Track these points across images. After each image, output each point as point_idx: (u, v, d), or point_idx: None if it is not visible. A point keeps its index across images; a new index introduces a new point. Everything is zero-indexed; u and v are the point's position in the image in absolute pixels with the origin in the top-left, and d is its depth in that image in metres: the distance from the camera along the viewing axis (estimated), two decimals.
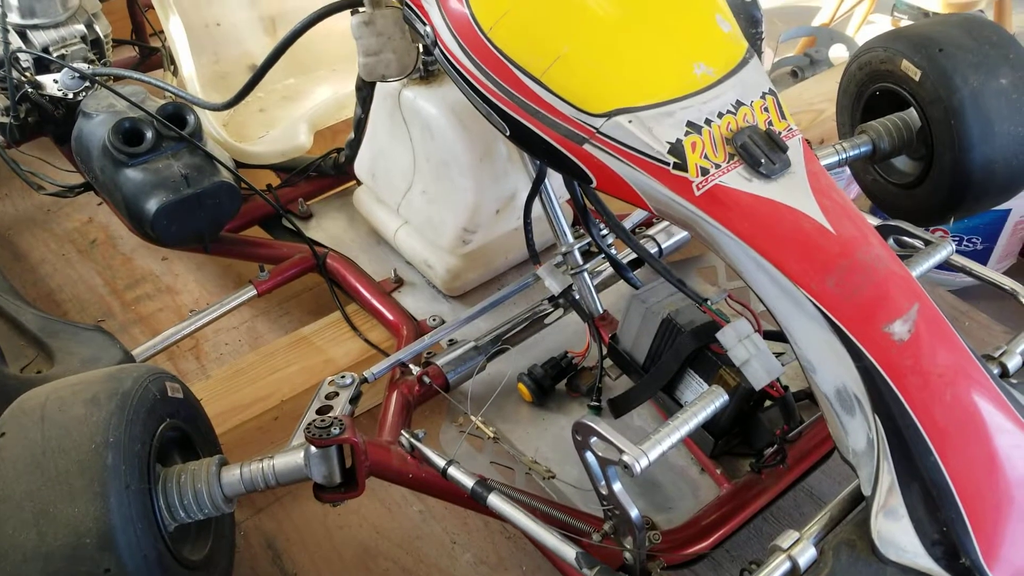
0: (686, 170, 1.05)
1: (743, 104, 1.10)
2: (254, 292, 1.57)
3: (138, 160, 1.48)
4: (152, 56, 2.11)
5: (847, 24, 3.46)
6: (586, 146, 1.08)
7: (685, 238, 1.59)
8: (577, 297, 1.44)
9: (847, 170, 1.92)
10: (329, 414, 1.23)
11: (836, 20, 3.30)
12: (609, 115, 1.06)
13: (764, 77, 1.14)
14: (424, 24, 1.17)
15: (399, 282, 1.62)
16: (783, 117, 1.12)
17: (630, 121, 1.06)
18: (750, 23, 1.97)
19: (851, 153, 1.63)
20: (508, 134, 1.14)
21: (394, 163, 1.54)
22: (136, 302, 1.79)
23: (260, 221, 1.74)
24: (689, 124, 1.06)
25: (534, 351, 1.45)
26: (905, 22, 3.34)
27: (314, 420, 1.12)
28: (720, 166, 1.06)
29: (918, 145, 1.61)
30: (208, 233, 1.57)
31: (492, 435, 1.23)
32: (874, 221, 1.44)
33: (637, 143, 1.06)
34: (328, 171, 1.77)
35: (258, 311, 1.75)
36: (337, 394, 1.29)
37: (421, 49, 1.34)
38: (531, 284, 1.51)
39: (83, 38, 1.75)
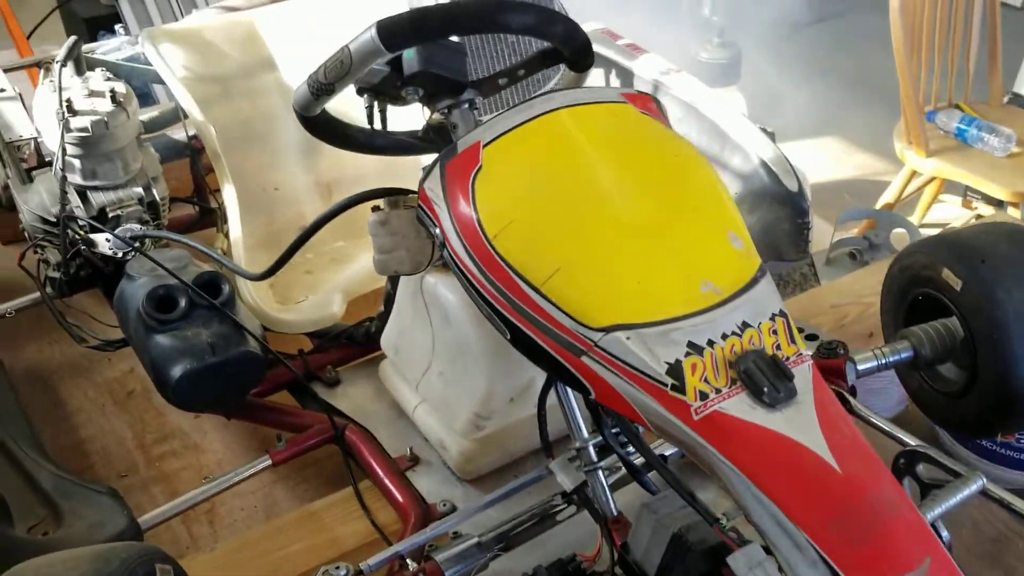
0: (684, 393, 1.01)
1: (750, 326, 1.07)
2: (269, 462, 1.57)
3: (168, 327, 1.52)
4: (209, 215, 2.19)
5: (916, 202, 3.42)
6: (584, 358, 1.06)
7: None
8: (591, 495, 1.39)
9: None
10: None
11: (905, 199, 3.27)
12: (608, 330, 1.04)
13: (775, 297, 1.11)
14: (435, 226, 1.18)
15: (415, 460, 1.59)
16: (792, 341, 1.08)
17: (628, 338, 1.03)
18: (797, 213, 1.96)
19: (891, 359, 1.57)
20: (509, 338, 1.13)
21: (415, 341, 1.54)
22: (161, 458, 1.80)
23: (288, 385, 1.75)
24: (690, 345, 1.03)
25: (542, 550, 1.39)
26: (979, 204, 3.28)
27: None
28: (721, 391, 1.02)
29: (962, 354, 1.55)
30: (230, 400, 1.58)
31: None
32: (911, 440, 1.37)
33: (635, 360, 1.03)
34: (360, 339, 1.78)
35: (277, 476, 1.74)
36: None
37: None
38: (545, 476, 1.47)
39: (140, 200, 1.83)
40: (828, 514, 0.95)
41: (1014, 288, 1.47)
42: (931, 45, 3.00)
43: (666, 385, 1.02)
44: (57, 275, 1.79)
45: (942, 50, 3.05)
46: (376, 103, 1.35)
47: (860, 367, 1.56)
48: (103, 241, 1.76)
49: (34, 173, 1.88)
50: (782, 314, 1.10)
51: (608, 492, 1.38)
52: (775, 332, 1.08)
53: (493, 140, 1.16)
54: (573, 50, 1.33)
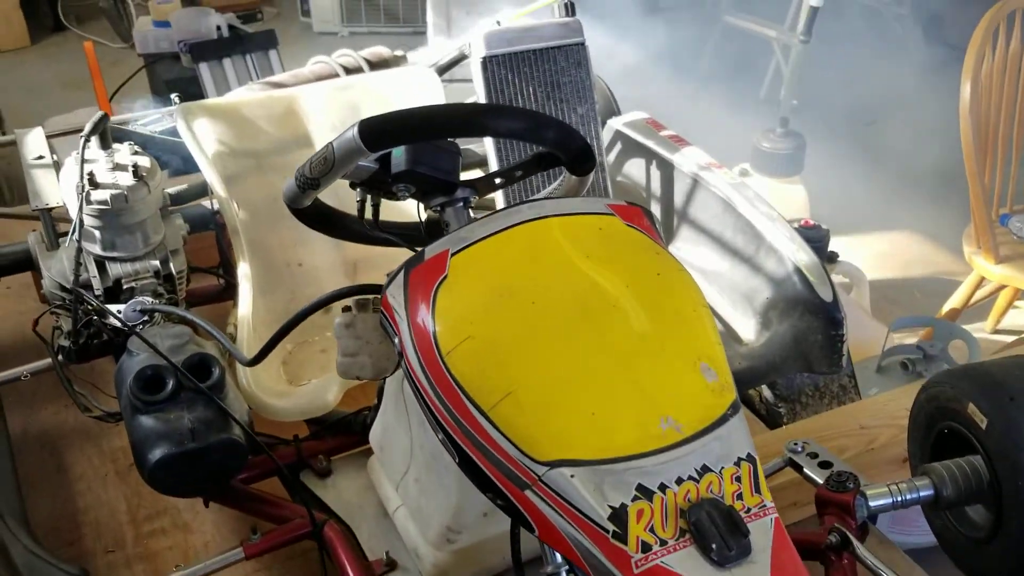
0: (626, 542, 0.93)
1: (710, 470, 0.98)
2: (242, 555, 1.52)
3: (152, 408, 1.50)
4: (232, 288, 2.19)
5: (989, 305, 3.25)
6: (528, 492, 0.99)
7: None
8: None
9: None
10: None
11: (974, 304, 3.10)
12: (553, 464, 0.97)
13: (745, 438, 1.02)
14: (395, 335, 1.13)
15: (391, 565, 1.52)
16: (757, 490, 0.99)
17: (573, 475, 0.96)
18: (831, 324, 1.85)
19: (908, 496, 1.44)
20: (458, 462, 1.07)
21: (397, 442, 1.48)
22: (150, 536, 1.77)
23: (278, 473, 1.71)
24: (640, 488, 0.95)
25: None
26: None
27: None
28: (667, 543, 0.93)
29: (988, 497, 1.41)
30: (210, 486, 1.55)
31: None
32: None
33: (578, 501, 0.95)
34: (356, 428, 1.74)
35: (261, 565, 1.69)
36: None
37: None
38: None
39: (156, 273, 1.83)
40: None
41: None
42: (1008, 143, 2.87)
43: (608, 532, 0.94)
44: (67, 343, 1.79)
45: (1021, 148, 2.91)
46: (370, 196, 1.32)
47: (872, 503, 1.44)
48: (114, 312, 1.76)
49: (61, 240, 1.91)
50: (750, 459, 1.01)
51: None
52: (738, 479, 0.99)
53: (463, 249, 1.11)
54: (569, 155, 1.28)
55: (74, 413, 2.09)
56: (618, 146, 2.39)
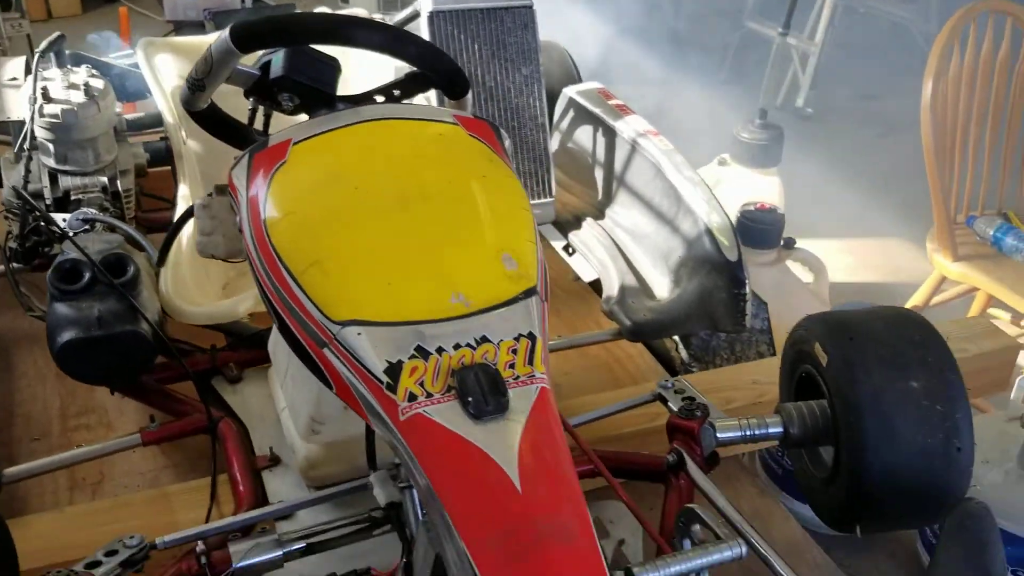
0: (396, 392, 1.03)
1: (488, 341, 1.07)
2: (139, 441, 1.64)
3: (67, 297, 1.63)
4: None
5: (957, 309, 3.25)
6: (325, 350, 1.09)
7: None
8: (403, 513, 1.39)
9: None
10: (96, 570, 1.25)
11: (936, 305, 3.12)
12: (345, 324, 1.07)
13: (533, 321, 1.11)
14: (237, 213, 1.24)
15: (274, 461, 1.63)
16: (530, 363, 1.08)
17: (360, 333, 1.06)
18: (733, 283, 1.92)
19: (757, 432, 1.51)
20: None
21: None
22: (75, 429, 1.90)
23: (187, 375, 1.83)
24: (418, 349, 1.05)
25: (346, 561, 1.40)
26: None
27: (52, 572, 1.13)
28: (432, 396, 1.02)
29: (830, 435, 1.47)
30: (118, 377, 1.67)
31: None
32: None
33: (363, 356, 1.05)
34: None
35: (169, 462, 1.81)
36: (116, 552, 1.30)
37: None
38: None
39: (104, 189, 1.97)
40: (493, 532, 0.94)
41: (876, 369, 1.40)
42: (978, 144, 2.89)
43: (382, 383, 1.03)
44: (15, 245, 1.94)
45: (991, 150, 2.93)
46: (262, 108, 1.44)
47: (720, 435, 1.51)
48: (60, 220, 1.90)
49: (23, 153, 2.06)
50: (531, 337, 1.09)
51: (420, 512, 1.38)
52: (514, 352, 1.08)
53: (305, 139, 1.22)
54: (437, 73, 1.38)
55: (29, 319, 2.24)
56: (570, 113, 2.48)
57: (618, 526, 1.53)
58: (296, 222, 1.14)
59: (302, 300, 1.10)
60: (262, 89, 1.38)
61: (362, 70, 2.06)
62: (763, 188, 3.31)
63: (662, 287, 2.09)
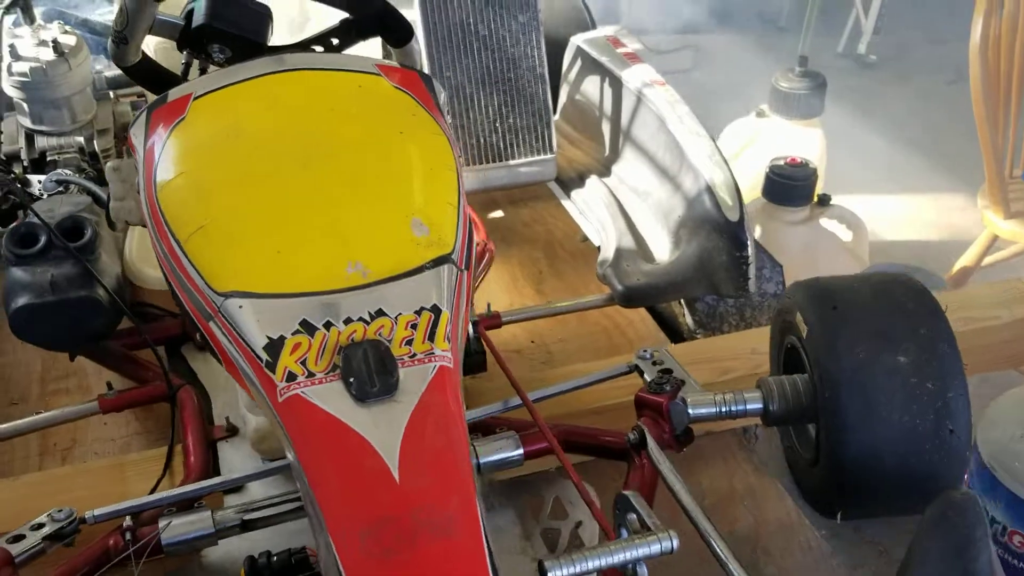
0: (274, 371, 0.94)
1: (385, 315, 0.97)
2: (96, 407, 1.60)
3: (22, 261, 1.58)
4: None
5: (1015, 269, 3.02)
6: (211, 324, 1.01)
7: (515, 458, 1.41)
8: None
9: None
10: (19, 544, 1.21)
11: (990, 266, 2.90)
12: (228, 295, 0.98)
13: (437, 292, 1.01)
14: (136, 174, 1.16)
15: (232, 431, 1.57)
16: (430, 339, 0.97)
17: (241, 306, 0.97)
18: (735, 245, 1.79)
19: (734, 408, 1.39)
20: (173, 296, 1.09)
21: None
22: (53, 394, 1.88)
23: (166, 342, 1.78)
24: (303, 323, 0.95)
25: (285, 538, 1.33)
26: None
27: None
28: (314, 376, 0.93)
29: (811, 412, 1.34)
30: (74, 341, 1.62)
31: None
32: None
33: (244, 330, 0.97)
34: None
35: (141, 428, 1.77)
36: (43, 525, 1.26)
37: None
38: None
39: (81, 149, 1.92)
40: (363, 525, 0.85)
41: (859, 342, 1.26)
42: None
43: (262, 360, 0.94)
44: None
45: None
46: (196, 62, 1.35)
47: (692, 411, 1.39)
48: (36, 183, 1.86)
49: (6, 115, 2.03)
50: (435, 310, 0.99)
51: None
52: (414, 327, 0.97)
53: (206, 94, 1.13)
54: (369, 19, 1.27)
55: None
56: (578, 63, 2.34)
57: (577, 507, 1.43)
58: (185, 184, 1.06)
59: (187, 269, 1.02)
60: (191, 41, 1.30)
61: None
62: (803, 141, 3.10)
63: (663, 249, 1.96)
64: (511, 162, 2.13)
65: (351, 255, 1.00)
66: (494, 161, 2.12)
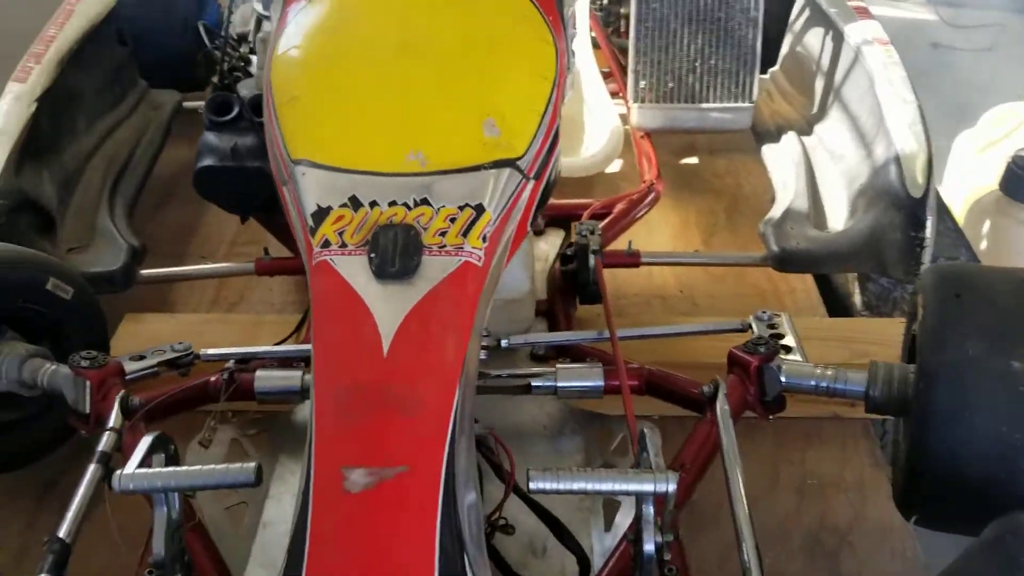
0: (314, 236, 0.99)
1: (428, 204, 1.00)
2: (252, 268, 1.76)
3: (214, 127, 1.76)
4: None
5: None
6: (284, 188, 1.08)
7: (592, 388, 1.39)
8: None
9: None
10: (137, 362, 1.38)
11: None
12: (298, 162, 1.05)
13: (492, 194, 1.01)
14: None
15: None
16: (464, 235, 0.99)
17: (304, 173, 1.03)
18: (912, 224, 1.65)
19: (833, 385, 1.29)
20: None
21: None
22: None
23: None
24: (352, 199, 1.00)
25: None
26: None
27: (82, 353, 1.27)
28: (347, 247, 0.98)
29: (907, 408, 1.22)
30: (242, 205, 1.78)
31: None
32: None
33: (303, 196, 1.03)
34: None
35: (299, 298, 1.92)
36: (164, 352, 1.42)
37: None
38: None
39: None
40: (342, 388, 0.89)
41: (972, 337, 1.13)
42: None
43: (308, 226, 1.00)
44: (215, 80, 2.12)
45: None
46: None
47: (786, 380, 1.31)
48: (254, 61, 2.05)
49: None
50: (478, 208, 1.00)
51: None
52: (453, 220, 0.99)
53: None
54: None
55: None
56: (806, 12, 2.20)
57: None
58: (293, 58, 1.13)
59: (276, 134, 1.10)
60: None
61: None
62: None
63: (838, 218, 1.82)
64: (703, 105, 2.05)
65: (415, 143, 1.03)
66: (686, 102, 2.05)
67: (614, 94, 2.24)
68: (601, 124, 2.05)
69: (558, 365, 1.41)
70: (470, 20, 1.14)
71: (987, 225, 2.40)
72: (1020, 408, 1.08)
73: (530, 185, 1.06)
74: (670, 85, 2.06)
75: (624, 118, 2.13)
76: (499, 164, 1.03)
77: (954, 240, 1.95)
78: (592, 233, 1.56)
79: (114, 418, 1.21)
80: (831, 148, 1.97)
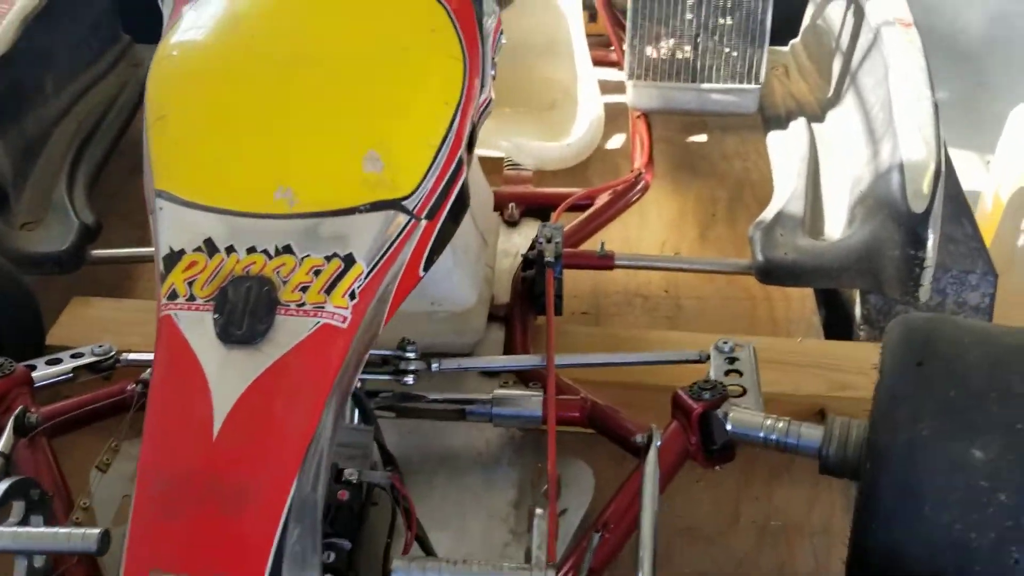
0: (163, 285, 0.89)
1: (291, 253, 0.88)
2: None
3: None
4: None
5: None
6: (151, 217, 0.97)
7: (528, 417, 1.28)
8: None
9: None
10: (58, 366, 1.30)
11: None
12: (159, 193, 0.94)
13: (362, 240, 0.89)
14: None
15: None
16: (327, 292, 0.87)
17: (161, 208, 0.92)
18: (911, 241, 1.48)
19: (784, 439, 1.16)
20: None
21: None
22: None
23: None
24: (207, 242, 0.89)
25: None
26: None
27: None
28: (194, 300, 0.87)
29: (857, 474, 1.09)
30: None
31: None
32: None
33: (159, 234, 0.92)
34: None
35: None
36: (83, 355, 1.34)
37: None
38: None
39: None
40: (168, 472, 0.79)
41: (929, 416, 0.98)
42: None
43: (160, 271, 0.90)
44: None
45: None
46: None
47: (732, 428, 1.18)
48: None
49: None
50: (347, 260, 0.88)
51: None
52: (316, 273, 0.87)
53: None
54: None
55: None
56: None
57: (571, 490, 1.27)
58: (168, 68, 1.01)
59: (146, 156, 0.98)
60: None
61: None
62: None
63: (836, 225, 1.65)
64: (704, 85, 1.87)
65: (285, 179, 0.91)
66: (685, 80, 1.87)
67: (613, 64, 2.07)
68: (582, 111, 1.90)
69: (496, 391, 1.30)
70: (373, 31, 1.00)
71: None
72: (978, 504, 0.94)
73: (421, 226, 0.94)
74: (671, 62, 1.88)
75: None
76: (379, 206, 0.91)
77: (970, 250, 1.76)
78: (549, 241, 1.42)
79: (4, 439, 1.13)
80: (841, 141, 1.79)
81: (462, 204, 1.04)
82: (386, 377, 1.25)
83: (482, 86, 1.06)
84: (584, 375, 1.37)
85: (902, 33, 1.69)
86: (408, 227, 0.92)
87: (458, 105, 0.98)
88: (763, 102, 1.96)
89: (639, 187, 1.79)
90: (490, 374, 1.42)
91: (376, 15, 1.02)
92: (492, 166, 1.88)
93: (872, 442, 1.01)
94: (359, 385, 1.13)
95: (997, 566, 0.94)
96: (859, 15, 1.82)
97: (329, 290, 0.87)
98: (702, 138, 2.19)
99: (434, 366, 1.28)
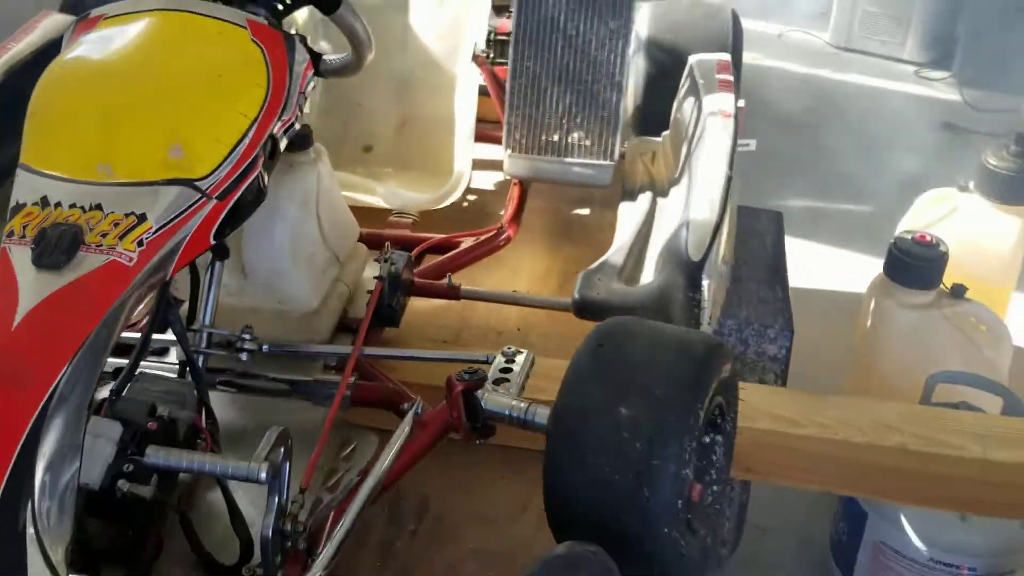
0: (4, 227, 1.20)
1: (100, 209, 1.19)
2: None
3: None
4: None
5: None
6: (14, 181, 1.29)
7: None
8: None
9: None
10: None
11: None
12: (21, 165, 1.26)
13: (158, 206, 1.22)
14: None
15: None
16: (121, 238, 1.18)
17: (18, 175, 1.24)
18: (689, 285, 1.76)
19: (524, 416, 1.41)
20: None
21: None
22: None
23: None
24: (43, 198, 1.21)
25: None
26: None
27: None
28: (25, 237, 1.18)
29: None
30: None
31: None
32: None
33: (14, 192, 1.23)
34: None
35: None
36: None
37: None
38: None
39: None
40: None
41: (594, 383, 1.26)
42: None
43: (4, 218, 1.21)
44: None
45: None
46: None
47: (487, 406, 1.45)
48: None
49: None
50: (141, 217, 1.20)
51: None
52: (116, 225, 1.18)
53: (115, 16, 1.40)
54: None
55: None
56: (687, 83, 2.32)
57: (360, 452, 1.56)
58: (47, 78, 1.35)
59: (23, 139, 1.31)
60: None
61: None
62: (1000, 228, 2.74)
63: (649, 273, 1.94)
64: (567, 159, 2.19)
65: (107, 157, 1.23)
66: (551, 155, 2.19)
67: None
68: (455, 168, 2.23)
69: (316, 376, 1.59)
70: (200, 62, 1.34)
71: (872, 304, 2.44)
72: (622, 453, 1.19)
73: (211, 204, 1.25)
74: (541, 138, 2.21)
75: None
76: (174, 183, 1.23)
77: (775, 309, 2.02)
78: (387, 262, 1.72)
79: None
80: (671, 210, 2.08)
81: (258, 195, 1.36)
82: (224, 353, 1.54)
83: (285, 108, 1.38)
84: (397, 374, 1.66)
85: (721, 122, 2.01)
86: (198, 202, 1.24)
87: (255, 119, 1.31)
88: (625, 180, 2.27)
89: (501, 238, 2.09)
90: (336, 369, 1.70)
91: (206, 51, 1.36)
92: (380, 214, 2.21)
93: (556, 406, 1.27)
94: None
95: (635, 500, 1.19)
96: (699, 109, 2.14)
97: (122, 237, 1.18)
98: (585, 211, 2.50)
99: (264, 348, 1.56)
